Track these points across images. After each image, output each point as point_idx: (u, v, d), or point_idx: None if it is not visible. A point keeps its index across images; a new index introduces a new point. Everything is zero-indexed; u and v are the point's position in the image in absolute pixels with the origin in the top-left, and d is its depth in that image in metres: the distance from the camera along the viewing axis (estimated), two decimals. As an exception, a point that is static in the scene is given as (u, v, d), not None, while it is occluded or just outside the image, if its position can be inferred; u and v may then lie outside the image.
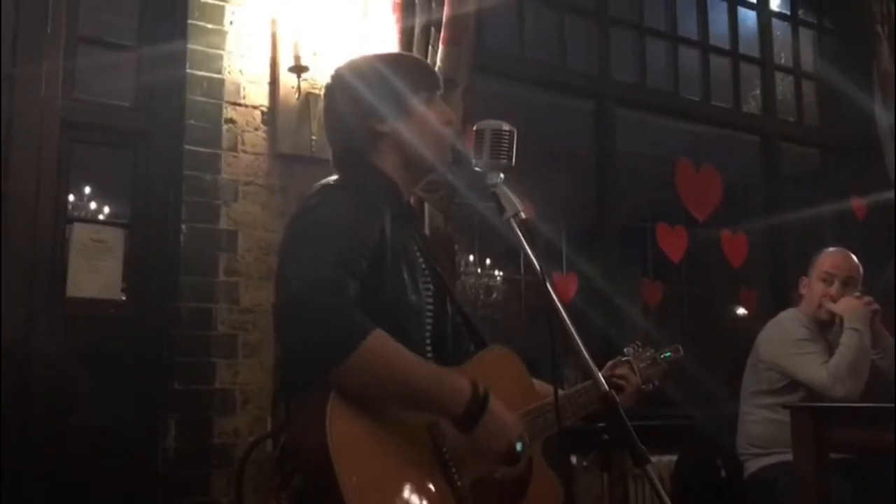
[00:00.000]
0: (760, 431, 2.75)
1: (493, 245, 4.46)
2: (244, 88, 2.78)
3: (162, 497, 2.51)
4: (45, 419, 2.45)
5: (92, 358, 2.53)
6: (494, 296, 5.39)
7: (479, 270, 4.84)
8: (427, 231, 2.68)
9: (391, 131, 1.67)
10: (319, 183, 1.63)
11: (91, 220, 3.54)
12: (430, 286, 1.69)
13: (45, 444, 2.43)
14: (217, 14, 2.76)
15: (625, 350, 2.02)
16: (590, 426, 1.94)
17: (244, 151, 2.75)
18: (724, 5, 4.27)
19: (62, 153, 2.60)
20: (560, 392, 1.64)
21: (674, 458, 2.95)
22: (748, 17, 4.34)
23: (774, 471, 2.64)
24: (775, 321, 2.91)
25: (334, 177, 1.65)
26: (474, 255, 4.47)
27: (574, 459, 3.05)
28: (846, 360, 2.62)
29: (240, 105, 2.76)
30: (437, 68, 2.77)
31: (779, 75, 4.39)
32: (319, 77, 2.79)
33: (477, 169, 1.57)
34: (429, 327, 1.66)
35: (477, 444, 1.44)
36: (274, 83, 2.81)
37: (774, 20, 4.41)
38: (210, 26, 2.74)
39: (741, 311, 4.43)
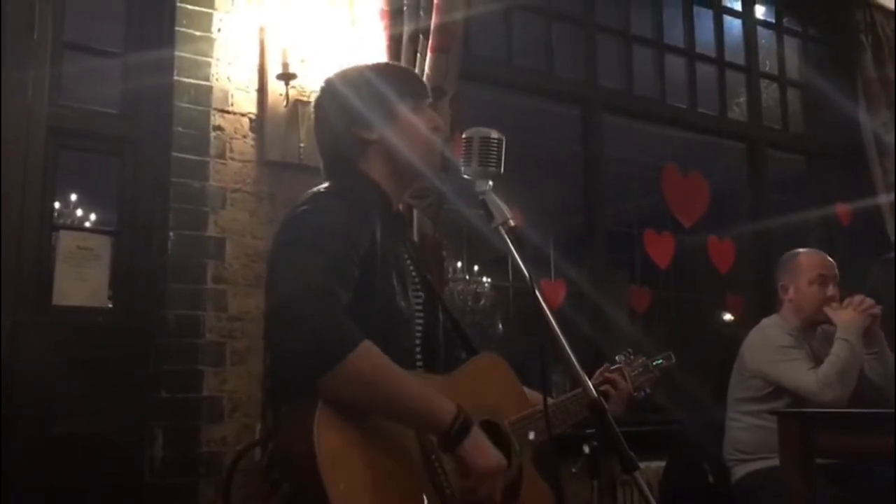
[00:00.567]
0: (747, 437, 2.75)
1: (482, 252, 4.46)
2: (232, 96, 2.77)
3: (149, 506, 2.49)
4: (31, 427, 2.43)
5: (78, 366, 2.51)
6: (483, 302, 5.39)
7: (467, 277, 4.84)
8: (416, 238, 2.69)
9: (378, 138, 1.68)
10: (310, 190, 1.63)
11: (77, 227, 3.52)
12: (421, 293, 1.70)
13: (32, 452, 2.41)
14: (205, 21, 2.75)
15: (616, 357, 2.03)
16: (579, 433, 1.95)
17: (232, 159, 2.75)
18: (710, 13, 4.30)
19: (48, 160, 2.59)
20: (550, 400, 1.64)
21: (662, 463, 2.96)
22: (734, 25, 4.38)
23: (761, 476, 2.65)
24: (758, 328, 2.90)
25: (324, 184, 1.65)
26: (462, 262, 4.47)
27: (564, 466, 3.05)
28: (835, 367, 2.63)
29: (228, 112, 2.75)
30: (425, 76, 2.78)
31: (764, 82, 4.43)
32: (308, 84, 2.79)
33: (465, 176, 1.57)
34: (419, 334, 1.66)
35: (465, 461, 1.43)
36: (262, 90, 2.81)
37: (759, 28, 4.45)
38: (198, 33, 2.74)
39: (728, 316, 4.45)
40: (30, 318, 2.48)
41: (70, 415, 2.49)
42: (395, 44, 2.88)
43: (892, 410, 2.27)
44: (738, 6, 4.39)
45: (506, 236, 1.50)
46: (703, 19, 4.27)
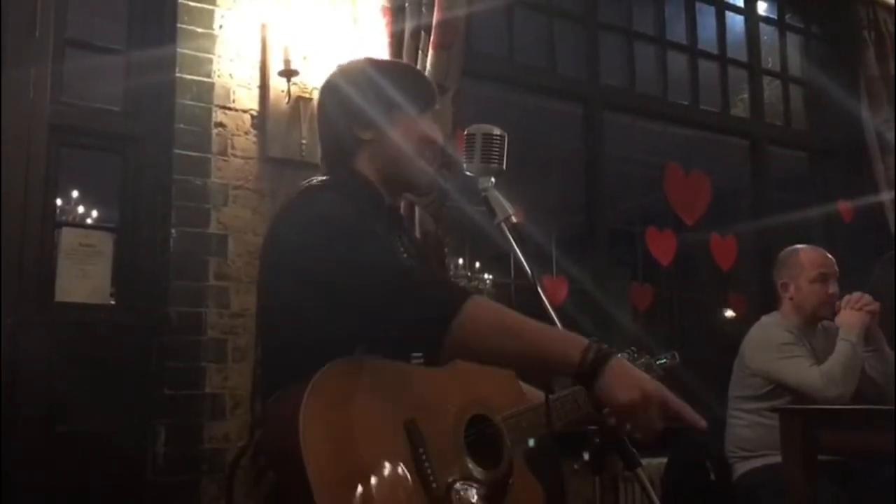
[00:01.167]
0: (748, 434, 2.75)
1: (483, 248, 4.46)
2: (234, 92, 2.77)
3: (151, 503, 2.49)
4: (33, 425, 2.43)
5: (81, 363, 2.51)
6: (484, 299, 5.39)
7: (468, 274, 4.84)
8: (418, 234, 2.69)
9: (373, 139, 1.67)
10: (303, 186, 1.63)
11: (79, 224, 3.53)
12: None
13: (34, 450, 2.42)
14: (206, 18, 2.75)
15: (619, 355, 2.02)
16: (581, 430, 1.95)
17: (234, 155, 2.75)
18: (712, 10, 4.29)
19: (50, 157, 2.59)
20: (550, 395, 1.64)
21: (663, 460, 2.96)
22: (736, 21, 4.37)
23: (762, 473, 2.66)
24: (758, 326, 2.90)
25: (316, 179, 1.65)
26: (464, 259, 4.47)
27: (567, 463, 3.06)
28: (839, 364, 2.63)
29: (229, 109, 2.75)
30: (426, 72, 2.77)
31: (766, 79, 4.42)
32: (309, 81, 2.79)
33: (468, 173, 1.57)
34: None
35: (604, 398, 1.34)
36: (264, 87, 2.81)
37: (762, 25, 4.43)
38: (199, 30, 2.73)
39: (730, 314, 4.44)
40: (32, 315, 2.49)
41: (72, 412, 2.49)
42: (396, 40, 2.88)
43: (893, 407, 2.26)
44: (740, 3, 4.38)
45: (508, 233, 1.49)
46: (706, 16, 4.26)
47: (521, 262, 1.48)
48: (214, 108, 2.72)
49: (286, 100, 2.79)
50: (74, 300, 2.57)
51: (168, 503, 2.49)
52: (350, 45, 2.87)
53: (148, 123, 2.73)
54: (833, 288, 2.82)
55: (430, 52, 2.82)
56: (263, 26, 2.83)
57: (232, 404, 2.61)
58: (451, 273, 3.92)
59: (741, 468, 2.75)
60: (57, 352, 2.49)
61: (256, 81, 2.81)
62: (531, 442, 1.72)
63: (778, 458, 2.39)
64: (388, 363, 1.46)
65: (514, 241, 1.49)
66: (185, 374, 2.57)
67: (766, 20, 4.47)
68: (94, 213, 4.06)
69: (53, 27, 2.62)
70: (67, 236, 2.62)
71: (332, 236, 1.49)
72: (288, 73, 2.76)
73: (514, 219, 1.50)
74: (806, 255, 2.88)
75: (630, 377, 1.35)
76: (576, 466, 3.02)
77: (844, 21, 4.26)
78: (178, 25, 2.70)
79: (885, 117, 4.06)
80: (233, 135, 2.75)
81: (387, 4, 2.89)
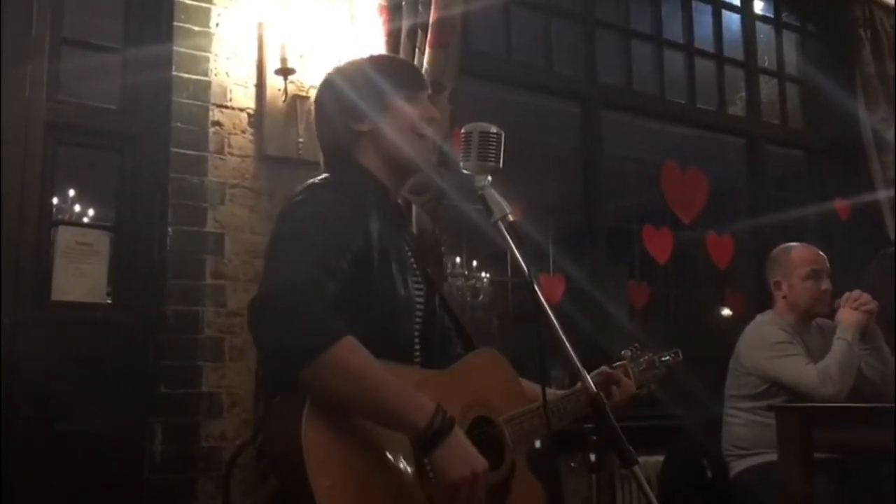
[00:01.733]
0: (744, 433, 2.76)
1: (480, 247, 4.46)
2: (231, 91, 2.77)
3: (148, 501, 2.49)
4: (30, 424, 2.43)
5: (77, 362, 2.51)
6: (481, 298, 5.40)
7: (466, 272, 4.84)
8: (415, 233, 2.69)
9: (371, 130, 1.68)
10: (306, 182, 1.63)
11: (76, 223, 3.52)
12: (422, 285, 1.69)
13: (31, 449, 2.41)
14: (203, 16, 2.75)
15: (622, 352, 2.02)
16: (578, 428, 1.95)
17: (231, 154, 2.74)
18: (709, 8, 4.29)
19: (47, 156, 2.59)
20: (549, 393, 1.64)
21: (660, 458, 2.97)
22: (732, 20, 4.37)
23: (759, 471, 2.66)
24: (753, 325, 2.90)
25: (321, 176, 1.66)
26: (461, 257, 4.47)
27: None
28: (835, 362, 2.64)
29: (226, 107, 2.75)
30: (423, 71, 2.77)
31: (763, 78, 4.42)
32: (306, 80, 2.79)
33: (465, 171, 1.57)
34: (418, 326, 1.66)
35: (435, 469, 1.39)
36: (260, 86, 2.81)
37: (758, 23, 4.44)
38: (196, 28, 2.73)
39: (727, 312, 4.45)
40: (29, 313, 2.48)
41: (69, 411, 2.49)
42: (393, 39, 2.87)
43: (891, 405, 2.27)
44: (736, 1, 4.38)
45: (505, 231, 1.49)
46: (702, 14, 4.26)
47: (518, 261, 1.48)
48: (211, 107, 2.72)
49: (283, 98, 2.79)
50: (71, 299, 2.57)
51: (165, 501, 2.49)
52: (347, 43, 2.87)
53: (145, 122, 2.73)
54: (826, 284, 2.83)
55: (428, 50, 2.82)
56: (260, 24, 2.83)
57: (229, 403, 2.61)
58: (448, 272, 3.92)
59: (738, 466, 2.75)
60: (54, 351, 2.49)
61: (253, 80, 2.81)
62: (537, 443, 1.72)
63: (774, 457, 2.40)
64: (389, 365, 1.46)
65: (511, 239, 1.49)
66: (182, 372, 2.56)
67: (763, 19, 4.47)
68: (91, 212, 4.05)
69: (50, 25, 2.62)
70: (64, 235, 2.62)
71: (281, 239, 1.50)
72: (285, 72, 2.76)
73: (511, 217, 1.50)
74: (797, 253, 2.89)
75: (466, 454, 1.40)
76: (573, 465, 3.03)
77: (841, 19, 4.26)
78: (175, 24, 2.70)
79: (881, 115, 4.06)
80: (229, 133, 2.75)
81: (384, 3, 2.89)
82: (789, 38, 4.59)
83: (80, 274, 2.60)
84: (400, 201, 2.64)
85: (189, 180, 2.66)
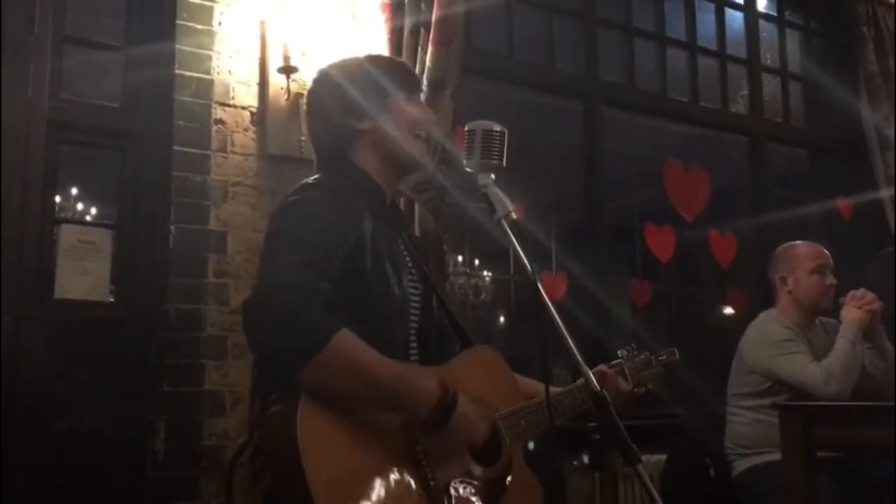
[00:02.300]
0: (747, 432, 2.76)
1: (482, 245, 4.46)
2: (233, 89, 2.77)
3: (151, 500, 2.49)
4: (32, 422, 2.43)
5: (80, 360, 2.51)
6: (483, 296, 5.40)
7: (468, 271, 4.84)
8: (417, 232, 2.69)
9: (370, 128, 1.68)
10: (300, 182, 1.64)
11: (78, 221, 3.52)
12: (418, 285, 1.70)
13: (33, 447, 2.41)
14: (205, 14, 2.75)
15: (619, 352, 2.02)
16: (581, 426, 1.95)
17: (233, 152, 2.74)
18: (712, 6, 4.29)
19: (49, 154, 2.59)
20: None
21: (663, 457, 2.97)
22: (735, 18, 4.36)
23: (761, 470, 2.66)
24: (756, 323, 2.91)
25: (314, 176, 1.66)
26: (464, 256, 4.47)
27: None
28: (839, 360, 2.64)
29: (229, 106, 2.75)
30: (426, 69, 2.77)
31: (766, 76, 4.41)
32: (309, 78, 2.75)
33: (468, 169, 1.57)
34: (414, 325, 1.67)
35: (449, 444, 1.44)
36: (263, 84, 2.80)
37: (761, 21, 4.43)
38: (199, 27, 2.73)
39: (729, 310, 4.45)
40: (31, 312, 2.48)
41: (71, 409, 2.49)
42: (396, 37, 2.87)
43: (893, 404, 2.26)
44: (739, -1, 4.39)
45: (508, 229, 1.49)
46: (705, 12, 4.25)
47: (522, 259, 1.48)
48: (214, 105, 2.72)
49: (285, 96, 2.78)
50: (73, 297, 2.57)
51: (168, 500, 2.49)
52: (349, 41, 2.87)
53: (147, 120, 2.73)
54: (830, 280, 2.84)
55: (430, 48, 2.81)
56: (262, 23, 2.83)
57: (232, 401, 2.61)
58: (450, 270, 3.92)
59: (740, 465, 2.75)
60: (56, 349, 2.49)
61: (256, 78, 2.81)
62: (530, 440, 1.73)
63: (777, 455, 2.40)
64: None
65: (515, 237, 1.49)
66: (184, 370, 2.56)
67: (766, 17, 4.47)
68: (94, 210, 4.06)
69: (52, 24, 2.62)
70: (66, 233, 2.62)
71: (273, 239, 1.51)
72: (287, 70, 2.76)
73: (514, 215, 1.50)
74: (803, 249, 2.91)
75: (479, 418, 1.51)
76: (575, 463, 3.03)
77: (844, 17, 4.25)
78: (177, 22, 2.70)
79: (884, 114, 4.05)
80: (232, 131, 2.75)
81: (386, 1, 2.89)
82: (792, 36, 4.58)
83: (83, 272, 2.60)
84: (402, 200, 2.66)
85: (191, 178, 2.65)
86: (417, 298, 1.68)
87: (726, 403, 2.88)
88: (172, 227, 2.61)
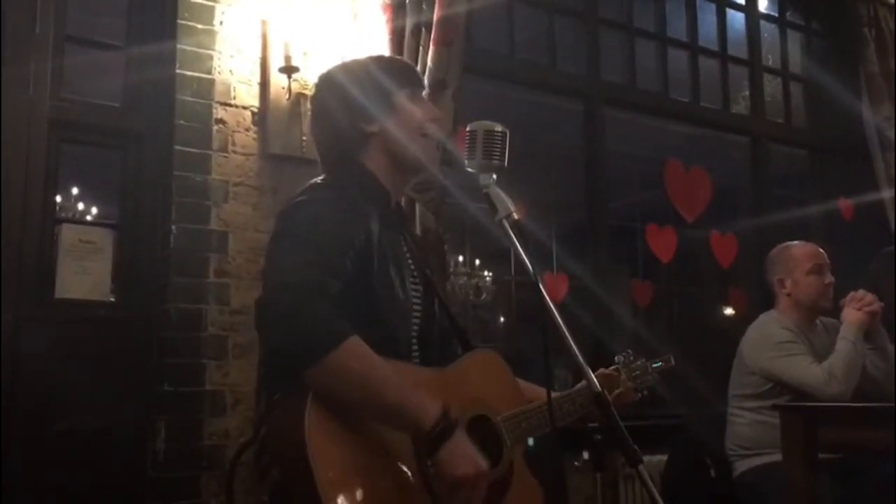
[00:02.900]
0: (748, 433, 2.76)
1: (483, 245, 4.46)
2: (234, 89, 2.77)
3: (152, 500, 2.49)
4: (33, 422, 2.43)
5: (81, 360, 2.51)
6: (484, 296, 5.40)
7: (469, 271, 4.84)
8: (418, 231, 2.69)
9: (379, 131, 1.68)
10: (308, 183, 1.63)
11: (80, 220, 3.52)
12: (419, 287, 1.70)
13: (34, 446, 2.41)
14: (206, 14, 2.75)
15: (615, 358, 2.03)
16: (582, 427, 1.95)
17: (234, 152, 2.74)
18: (713, 7, 4.29)
19: (50, 154, 2.58)
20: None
21: (663, 457, 2.96)
22: (736, 18, 4.36)
23: (763, 471, 2.66)
24: (756, 325, 2.90)
25: (321, 177, 1.66)
26: (465, 256, 4.47)
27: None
28: (840, 361, 2.64)
29: (230, 105, 2.75)
30: (427, 69, 2.77)
31: (767, 77, 4.41)
32: (310, 78, 2.79)
33: (469, 170, 1.57)
34: (415, 327, 1.67)
35: (440, 466, 1.42)
36: (264, 84, 2.80)
37: (762, 22, 4.43)
38: (200, 26, 2.73)
39: (730, 311, 4.45)
40: (32, 311, 2.48)
41: (72, 408, 2.49)
42: (397, 37, 2.87)
43: (893, 405, 2.26)
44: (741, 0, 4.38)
45: (510, 230, 1.49)
46: (706, 13, 4.25)
47: (523, 259, 1.48)
48: (215, 105, 2.72)
49: (287, 96, 2.78)
50: (74, 297, 2.57)
51: (168, 499, 2.49)
52: (350, 41, 2.87)
53: (148, 120, 2.73)
54: (829, 278, 2.84)
55: (431, 48, 2.81)
56: (264, 22, 2.83)
57: (232, 401, 2.61)
58: (451, 270, 3.92)
59: (741, 466, 2.75)
60: (57, 348, 2.49)
61: (257, 78, 2.81)
62: (530, 442, 1.73)
63: (778, 456, 2.40)
64: (390, 362, 1.47)
65: (516, 237, 1.49)
66: (185, 370, 2.56)
67: (767, 17, 4.47)
68: (94, 210, 4.06)
69: (53, 23, 2.62)
70: (67, 233, 2.62)
71: (283, 240, 1.51)
72: (288, 70, 2.76)
73: (515, 216, 1.50)
74: (798, 250, 2.90)
75: (470, 452, 1.44)
76: (577, 464, 3.03)
77: (845, 18, 4.25)
78: (179, 21, 2.70)
79: (885, 114, 4.05)
80: (233, 131, 2.75)
81: (387, 1, 2.89)
82: (793, 37, 4.58)
83: (84, 272, 2.60)
84: (403, 200, 2.66)
85: (192, 178, 2.65)
86: (419, 301, 1.69)
87: (727, 404, 2.88)
88: (173, 227, 2.61)
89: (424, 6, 2.86)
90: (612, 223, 3.81)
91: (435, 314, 1.74)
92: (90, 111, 2.72)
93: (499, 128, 1.56)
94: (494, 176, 1.54)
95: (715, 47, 4.26)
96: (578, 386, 1.83)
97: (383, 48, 2.84)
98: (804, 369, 2.66)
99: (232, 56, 2.77)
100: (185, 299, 2.59)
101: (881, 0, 4.23)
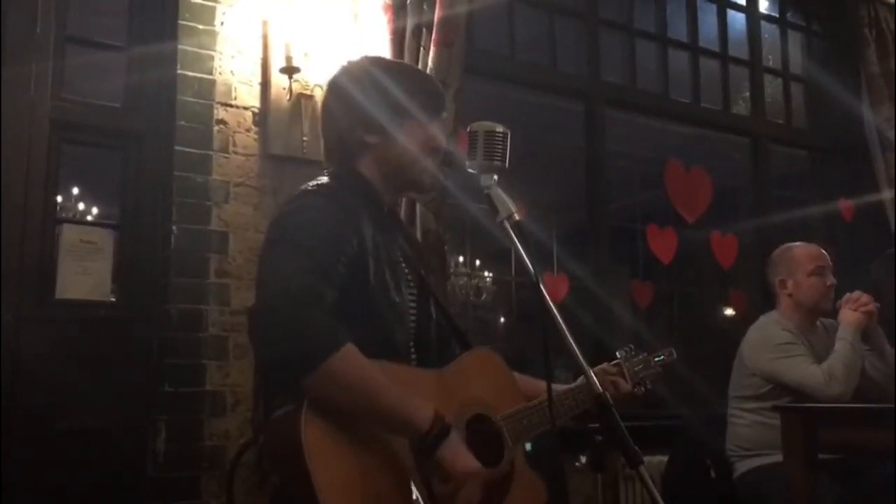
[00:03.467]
0: (748, 433, 2.76)
1: (483, 246, 4.46)
2: (235, 89, 2.77)
3: (152, 500, 2.49)
4: (33, 422, 2.43)
5: (81, 360, 2.51)
6: (484, 297, 5.40)
7: (469, 272, 4.83)
8: (419, 232, 2.69)
9: (379, 143, 1.67)
10: (300, 188, 1.64)
11: (80, 221, 3.52)
12: (414, 289, 1.70)
13: (34, 447, 2.41)
14: (207, 14, 2.75)
15: (617, 353, 2.03)
16: (583, 427, 1.95)
17: (235, 152, 2.74)
18: (714, 8, 4.29)
19: (51, 154, 2.59)
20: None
21: (664, 458, 2.96)
22: (737, 19, 4.37)
23: (763, 472, 2.66)
24: (756, 326, 2.90)
25: (314, 182, 1.65)
26: (465, 257, 4.47)
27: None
28: (840, 362, 2.64)
29: (231, 106, 2.75)
30: (428, 69, 2.77)
31: (767, 77, 4.41)
32: (311, 78, 2.79)
33: (470, 171, 1.57)
34: (412, 329, 1.67)
35: (438, 469, 1.44)
36: (265, 84, 2.80)
37: (763, 23, 4.43)
38: (201, 27, 2.73)
39: (730, 311, 4.44)
40: (32, 311, 2.48)
41: (72, 409, 2.49)
42: (398, 38, 2.87)
43: (893, 405, 2.26)
44: (741, 0, 4.38)
45: (511, 231, 1.49)
46: (707, 13, 4.26)
47: (524, 260, 1.48)
48: (216, 105, 2.72)
49: (287, 97, 2.78)
50: (75, 297, 2.57)
51: (168, 500, 2.49)
52: (351, 42, 2.87)
53: (149, 120, 2.73)
54: (830, 280, 2.84)
55: (432, 49, 2.82)
56: (265, 23, 2.83)
57: (233, 401, 2.61)
58: (451, 271, 3.92)
59: (742, 467, 2.75)
60: (57, 349, 2.49)
61: (258, 78, 2.81)
62: (529, 441, 1.73)
63: (778, 457, 2.40)
64: (387, 365, 1.47)
65: (517, 238, 1.49)
66: (185, 371, 2.56)
67: (768, 18, 4.47)
68: (95, 210, 4.05)
69: (54, 24, 2.62)
70: (68, 233, 2.62)
71: (276, 246, 1.51)
72: (289, 70, 2.76)
73: (516, 216, 1.50)
74: (801, 251, 2.90)
75: (463, 453, 1.46)
76: (577, 464, 3.03)
77: (845, 19, 4.25)
78: (180, 22, 2.70)
79: (885, 115, 4.05)
80: (234, 132, 2.75)
81: (388, 1, 2.89)
82: (794, 38, 4.58)
83: (84, 272, 2.60)
84: (403, 200, 2.66)
85: (193, 179, 2.65)
86: (414, 304, 1.69)
87: (727, 405, 2.88)
88: (174, 227, 2.61)
89: (425, 7, 2.86)
90: (613, 224, 3.81)
91: (431, 316, 1.74)
92: (91, 111, 2.72)
93: (500, 129, 1.56)
94: (496, 177, 1.54)
95: (715, 48, 4.26)
96: (578, 381, 1.83)
97: (384, 49, 2.84)
98: (804, 370, 2.65)
99: (233, 56, 2.77)
100: (186, 300, 2.59)
101: (881, 1, 4.23)
